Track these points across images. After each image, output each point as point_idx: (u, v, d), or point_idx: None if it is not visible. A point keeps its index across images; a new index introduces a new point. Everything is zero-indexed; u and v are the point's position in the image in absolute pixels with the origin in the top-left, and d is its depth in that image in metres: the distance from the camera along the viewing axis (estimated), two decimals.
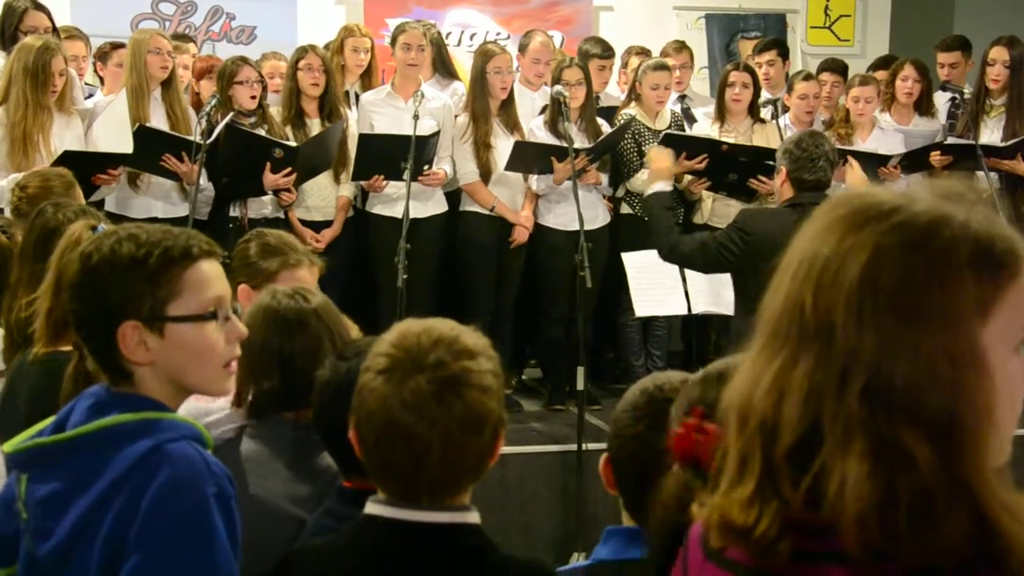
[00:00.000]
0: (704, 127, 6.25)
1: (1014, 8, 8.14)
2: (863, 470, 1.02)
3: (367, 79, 6.25)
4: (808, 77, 6.52)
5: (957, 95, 6.37)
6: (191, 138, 5.35)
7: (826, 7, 8.42)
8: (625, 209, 6.19)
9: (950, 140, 6.16)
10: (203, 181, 5.33)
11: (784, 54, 7.09)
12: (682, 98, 6.70)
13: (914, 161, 6.13)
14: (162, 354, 1.75)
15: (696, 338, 6.09)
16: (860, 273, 1.04)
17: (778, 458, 1.07)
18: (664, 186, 4.55)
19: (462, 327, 1.74)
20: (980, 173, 6.00)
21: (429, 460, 1.64)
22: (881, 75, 6.63)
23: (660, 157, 4.68)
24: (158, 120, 5.47)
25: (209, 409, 2.40)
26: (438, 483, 1.67)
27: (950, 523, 1.02)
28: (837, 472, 1.03)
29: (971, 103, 6.25)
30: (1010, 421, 1.09)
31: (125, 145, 5.27)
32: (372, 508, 1.72)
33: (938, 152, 6.08)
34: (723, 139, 6.00)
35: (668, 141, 5.85)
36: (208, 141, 5.22)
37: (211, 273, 1.79)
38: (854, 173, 4.58)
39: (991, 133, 6.13)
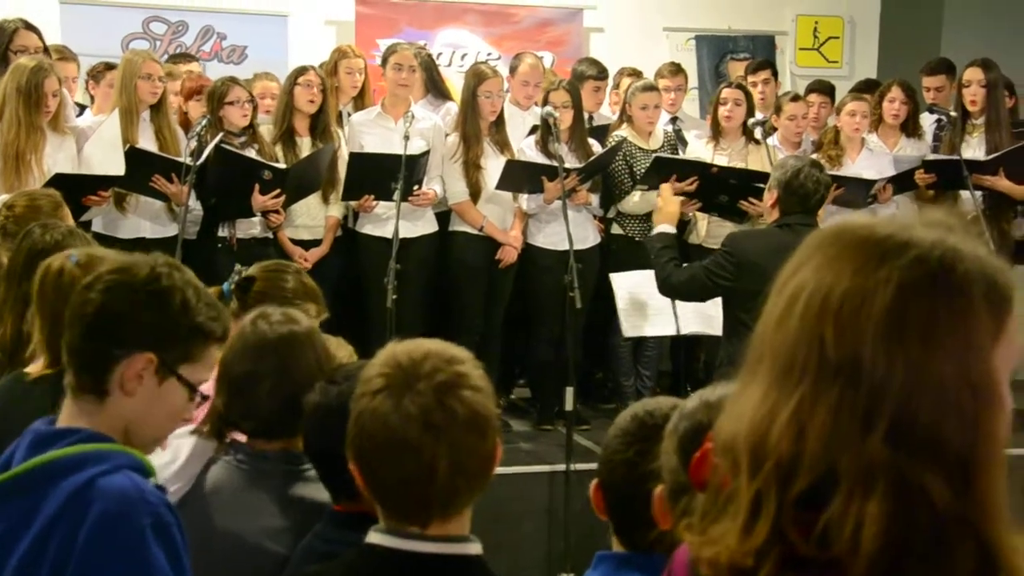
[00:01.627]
0: (698, 147, 6.28)
1: (1000, 31, 8.21)
2: (882, 511, 1.03)
3: (360, 100, 6.27)
4: (796, 98, 6.56)
5: (943, 117, 6.43)
6: (181, 159, 5.36)
7: (815, 29, 8.48)
8: (616, 230, 6.21)
9: (931, 156, 6.21)
10: (191, 201, 5.33)
11: (776, 74, 7.14)
12: (674, 120, 6.73)
13: (901, 182, 6.17)
14: (145, 397, 1.79)
15: (685, 358, 6.11)
16: (888, 308, 1.05)
17: (790, 500, 1.07)
18: (668, 228, 4.65)
19: (448, 343, 1.76)
20: (965, 193, 6.05)
21: (439, 470, 1.64)
22: (867, 97, 6.68)
23: (671, 201, 4.77)
24: (147, 141, 5.48)
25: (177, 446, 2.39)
26: (450, 494, 1.66)
27: (960, 562, 1.03)
28: (854, 513, 1.04)
29: (953, 123, 6.31)
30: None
31: (116, 166, 5.28)
32: (374, 538, 1.71)
33: (922, 170, 6.13)
34: (713, 162, 6.03)
35: (659, 164, 5.89)
36: (198, 163, 5.23)
37: (216, 359, 1.92)
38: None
39: (973, 152, 6.19)
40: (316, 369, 2.31)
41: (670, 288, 4.57)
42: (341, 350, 2.65)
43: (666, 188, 5.03)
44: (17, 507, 1.72)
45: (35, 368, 2.62)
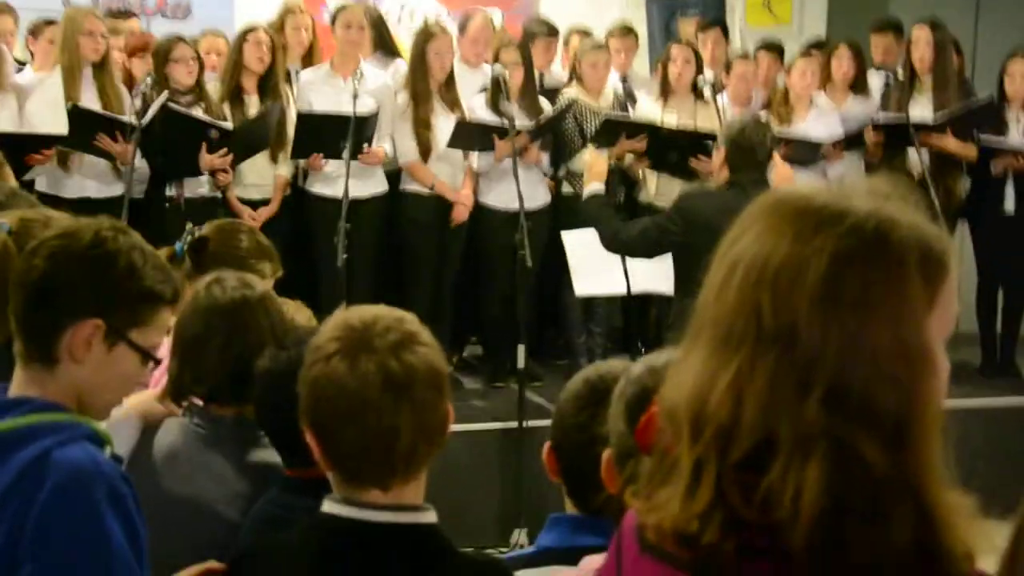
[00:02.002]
0: (647, 105, 6.29)
1: None
2: (821, 475, 1.05)
3: (308, 58, 6.20)
4: (744, 57, 6.59)
5: (891, 76, 6.48)
6: (127, 118, 5.27)
7: None
8: (567, 189, 6.21)
9: (882, 116, 6.26)
10: (137, 160, 5.25)
11: (726, 33, 7.15)
12: (624, 79, 6.72)
13: (850, 142, 6.22)
14: (95, 364, 1.75)
15: (636, 315, 6.15)
16: (823, 277, 1.07)
17: (730, 465, 1.09)
18: (599, 187, 4.64)
19: (393, 309, 1.77)
20: (912, 152, 6.12)
21: (402, 430, 1.64)
22: (816, 56, 6.71)
23: (597, 161, 4.77)
24: (90, 99, 5.39)
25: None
26: (412, 455, 1.67)
27: (898, 522, 1.05)
28: (793, 478, 1.06)
29: (900, 82, 6.37)
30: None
31: (59, 124, 5.19)
32: (329, 507, 1.71)
33: (871, 130, 6.18)
34: (662, 121, 6.04)
35: (609, 124, 5.90)
36: (143, 122, 5.15)
37: (169, 322, 1.87)
38: (780, 170, 4.68)
39: (921, 111, 6.25)
40: (269, 335, 2.30)
41: (620, 244, 4.58)
42: (300, 313, 2.64)
43: (592, 151, 5.04)
44: None
45: None
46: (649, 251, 4.57)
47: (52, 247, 1.78)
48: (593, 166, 4.72)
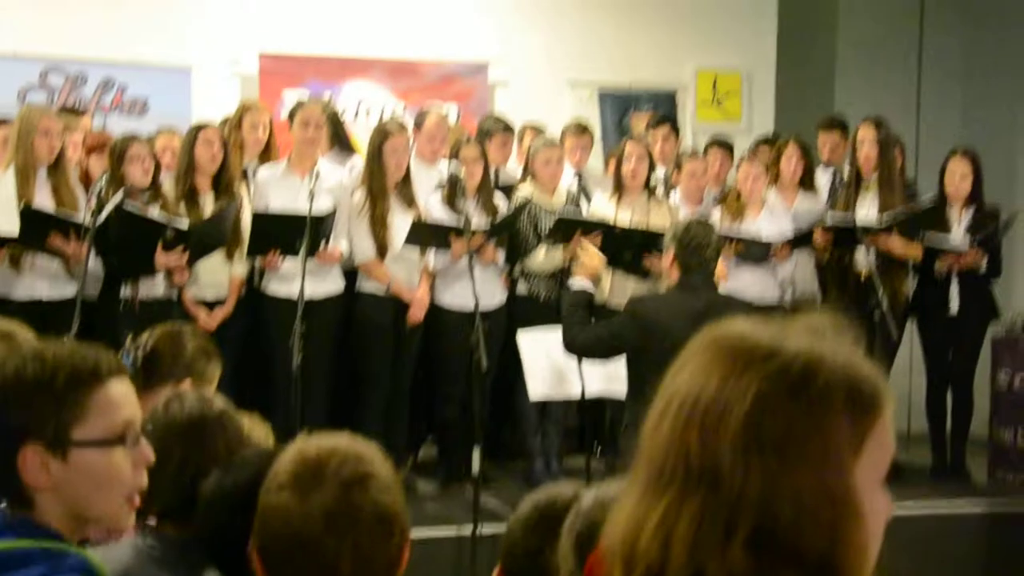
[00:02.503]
0: (602, 202, 6.36)
1: (890, 87, 8.49)
2: None
3: (265, 155, 6.22)
4: (694, 154, 6.72)
5: (838, 173, 6.62)
6: (80, 218, 5.26)
7: (714, 83, 8.67)
8: (521, 288, 6.24)
9: (830, 218, 6.37)
10: (91, 261, 5.22)
11: (676, 130, 7.29)
12: (579, 176, 6.82)
13: (798, 241, 6.33)
14: (64, 480, 1.69)
15: (591, 415, 6.15)
16: (744, 419, 1.06)
17: None
18: (587, 285, 4.67)
19: (356, 439, 1.76)
20: (860, 251, 6.23)
21: (343, 569, 1.63)
22: (765, 152, 6.85)
23: (592, 255, 4.81)
24: (44, 199, 5.36)
25: None
26: None
27: None
28: None
29: (847, 181, 6.50)
30: (874, 552, 1.13)
31: (10, 224, 5.15)
32: None
33: (820, 231, 6.29)
34: (616, 218, 6.11)
35: (562, 223, 5.95)
36: (98, 222, 5.13)
37: (120, 395, 1.73)
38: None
39: (868, 209, 6.37)
40: (224, 454, 2.29)
41: (576, 347, 4.63)
42: (256, 429, 2.63)
43: (589, 246, 5.07)
44: None
45: None
46: (604, 354, 4.64)
47: None
48: (587, 259, 4.76)
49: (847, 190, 6.47)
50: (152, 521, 2.37)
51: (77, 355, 1.72)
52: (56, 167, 5.44)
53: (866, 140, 6.38)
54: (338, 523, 1.63)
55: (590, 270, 4.72)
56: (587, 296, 4.68)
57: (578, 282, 4.69)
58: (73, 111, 6.63)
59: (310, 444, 1.73)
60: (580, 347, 4.58)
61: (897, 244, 6.18)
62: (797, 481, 1.06)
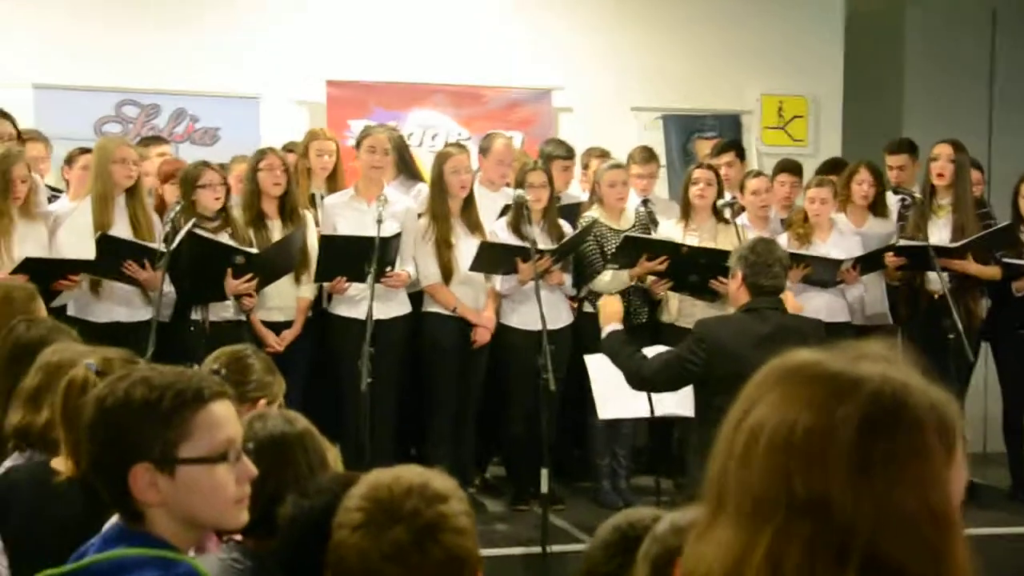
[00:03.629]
0: (668, 227, 6.35)
1: (960, 111, 8.39)
2: None
3: (332, 181, 6.31)
4: (758, 175, 6.68)
5: (908, 197, 6.54)
6: (153, 245, 5.37)
7: (779, 108, 8.63)
8: (588, 308, 6.23)
9: (902, 242, 6.30)
10: (165, 285, 5.33)
11: (741, 155, 7.26)
12: (645, 202, 6.81)
13: (869, 262, 6.26)
14: (173, 495, 1.77)
15: (660, 437, 6.12)
16: (850, 446, 1.09)
17: None
18: (615, 327, 4.67)
19: (429, 471, 1.77)
20: (932, 274, 6.14)
21: None
22: (835, 177, 6.79)
23: (610, 303, 4.82)
24: (122, 225, 5.49)
25: None
26: None
27: None
28: None
29: (920, 203, 6.41)
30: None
31: (88, 252, 5.28)
32: None
33: (892, 253, 6.22)
34: (682, 242, 6.10)
35: (629, 243, 5.95)
36: (170, 249, 5.24)
37: (223, 415, 1.82)
38: (789, 301, 4.74)
39: (940, 232, 6.29)
40: (307, 472, 2.31)
41: (642, 381, 4.60)
42: (328, 453, 2.66)
43: (605, 297, 5.08)
44: None
45: (64, 466, 2.61)
46: (672, 384, 4.59)
47: (84, 424, 1.83)
48: (606, 308, 4.77)
49: (918, 212, 6.38)
50: (237, 537, 2.40)
51: (182, 378, 1.82)
52: (133, 195, 5.56)
53: (942, 156, 6.31)
54: (413, 566, 1.65)
55: (612, 314, 4.71)
56: (622, 335, 4.66)
57: (608, 328, 4.67)
58: (154, 139, 6.80)
59: (384, 480, 1.74)
60: (648, 377, 4.53)
61: (972, 266, 6.10)
62: (905, 503, 1.08)
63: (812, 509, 1.09)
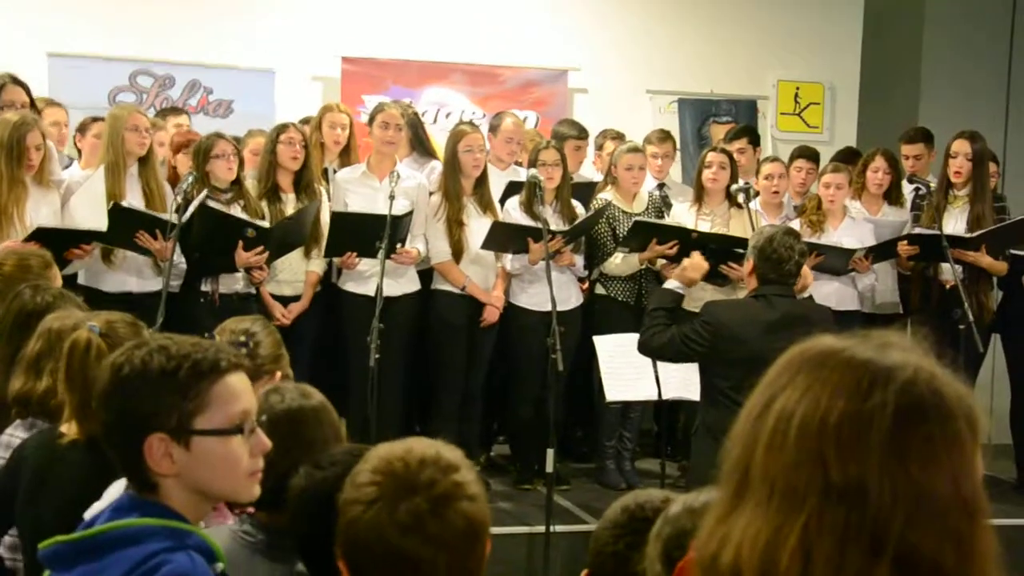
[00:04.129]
0: (681, 211, 6.33)
1: (976, 100, 8.35)
2: None
3: (345, 156, 6.30)
4: (774, 160, 6.63)
5: (923, 186, 6.51)
6: (165, 216, 5.37)
7: (796, 94, 8.60)
8: (599, 290, 6.24)
9: (916, 230, 6.27)
10: (176, 256, 5.33)
11: (755, 141, 7.22)
12: (661, 186, 6.79)
13: (882, 251, 6.23)
14: (187, 466, 1.77)
15: (667, 420, 6.12)
16: (887, 433, 1.09)
17: None
18: (678, 287, 4.70)
19: (435, 442, 1.77)
20: (944, 264, 6.12)
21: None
22: (846, 168, 6.76)
23: (696, 265, 4.86)
24: (134, 196, 5.49)
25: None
26: None
27: None
28: None
29: (935, 194, 6.37)
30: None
31: (101, 221, 5.28)
32: None
33: (905, 242, 6.19)
34: (695, 227, 6.08)
35: (640, 227, 5.94)
36: (182, 219, 5.24)
37: (238, 387, 1.82)
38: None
39: (955, 223, 6.26)
40: (321, 446, 2.30)
41: (647, 349, 4.64)
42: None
43: (696, 254, 5.06)
44: (82, 569, 1.73)
45: (68, 429, 2.61)
46: (675, 358, 4.67)
47: (99, 392, 1.83)
48: (690, 267, 4.83)
49: (935, 201, 6.34)
50: (249, 509, 2.40)
51: (199, 349, 1.80)
52: (146, 164, 5.56)
53: (960, 153, 6.27)
54: (432, 535, 1.64)
55: (686, 276, 4.72)
56: (676, 297, 4.67)
57: (672, 283, 4.69)
58: (172, 110, 6.79)
59: (395, 452, 1.72)
60: (654, 348, 4.58)
61: (985, 259, 6.07)
62: (939, 491, 1.09)
63: (847, 496, 1.09)
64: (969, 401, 1.13)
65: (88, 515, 1.93)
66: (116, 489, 2.31)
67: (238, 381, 1.82)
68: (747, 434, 1.16)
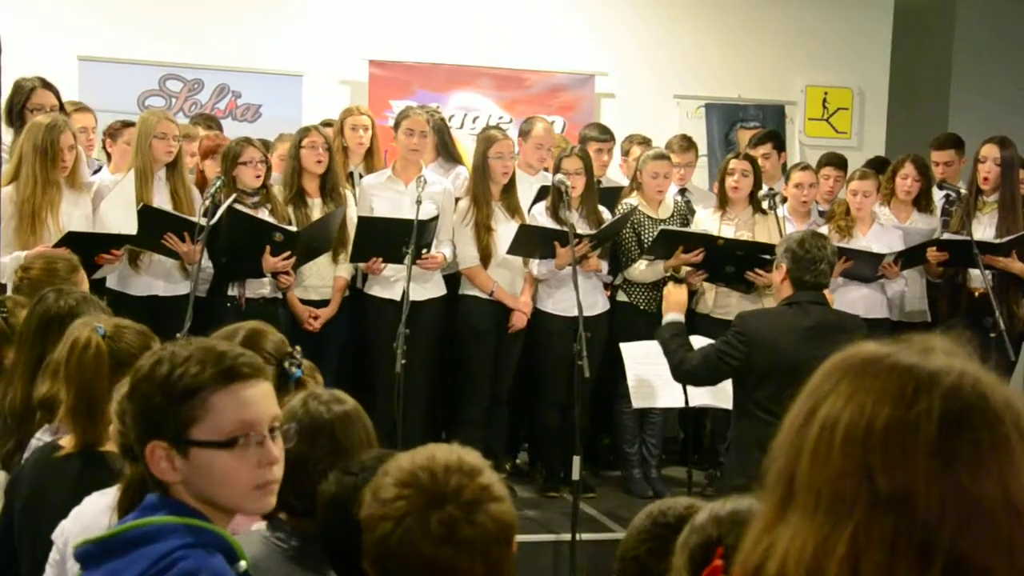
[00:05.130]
0: (705, 217, 6.30)
1: (1007, 106, 8.28)
2: None
3: (369, 159, 6.31)
4: (805, 168, 6.59)
5: (953, 193, 6.45)
6: (193, 219, 5.39)
7: (824, 100, 8.55)
8: (622, 297, 6.22)
9: (946, 235, 6.22)
10: (204, 260, 5.36)
11: (780, 146, 7.18)
12: (683, 192, 6.77)
13: (911, 257, 6.18)
14: (188, 474, 1.77)
15: (692, 426, 6.10)
16: (934, 440, 1.07)
17: None
18: (676, 317, 4.62)
19: (453, 447, 1.76)
20: (974, 271, 6.06)
21: None
22: (874, 175, 6.70)
23: (677, 291, 4.76)
24: (162, 201, 5.51)
25: None
26: None
27: None
28: None
29: (965, 200, 6.32)
30: None
31: (131, 225, 5.31)
32: None
33: (934, 248, 6.14)
34: (719, 233, 6.06)
35: (666, 235, 5.92)
36: (210, 223, 5.26)
37: (246, 396, 1.77)
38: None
39: (984, 229, 6.19)
40: (366, 446, 2.31)
41: (684, 374, 4.57)
42: None
43: (672, 284, 5.03)
44: (109, 567, 1.75)
45: (67, 442, 2.62)
46: (712, 377, 4.54)
47: (123, 396, 1.85)
48: (671, 296, 4.71)
49: (964, 208, 6.29)
50: (282, 515, 2.40)
51: (209, 355, 1.77)
52: (174, 169, 5.58)
53: (989, 158, 6.21)
54: (469, 547, 1.65)
55: (676, 304, 4.66)
56: (679, 326, 4.62)
57: (669, 316, 4.63)
58: (204, 118, 6.81)
59: (417, 463, 1.72)
60: (689, 371, 4.50)
61: (1017, 265, 6.01)
62: (988, 497, 1.07)
63: (895, 504, 1.07)
64: (1018, 405, 1.11)
65: (55, 533, 1.95)
66: (90, 502, 2.32)
67: (248, 390, 1.77)
68: (791, 443, 1.15)
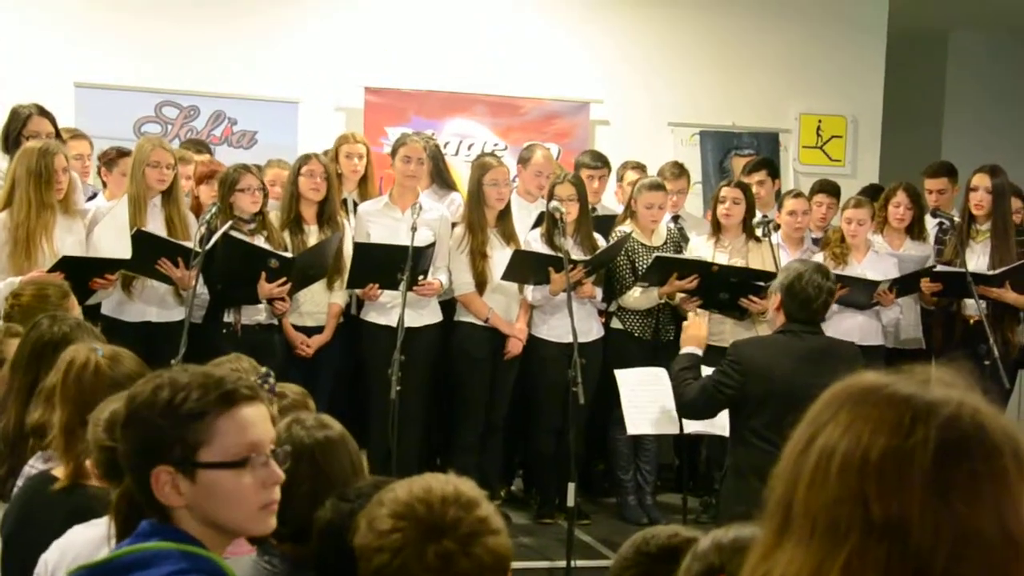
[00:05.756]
0: (699, 244, 6.32)
1: (999, 134, 8.32)
2: None
3: (364, 187, 6.32)
4: (798, 195, 6.61)
5: (946, 221, 6.47)
6: (188, 245, 5.39)
7: (818, 127, 8.59)
8: (616, 324, 6.22)
9: (939, 267, 6.23)
10: (199, 287, 5.35)
11: (774, 174, 7.20)
12: (675, 219, 6.78)
13: (905, 285, 6.19)
14: (194, 498, 1.77)
15: (687, 453, 6.09)
16: (929, 469, 1.08)
17: None
18: (693, 350, 4.61)
19: (450, 477, 1.76)
20: (969, 300, 6.07)
21: None
22: (868, 202, 6.72)
23: (698, 324, 4.76)
24: (156, 228, 5.50)
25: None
26: None
27: None
28: None
29: (958, 228, 6.34)
30: None
31: (126, 250, 5.30)
32: None
33: (928, 279, 6.15)
34: (713, 261, 6.07)
35: (661, 262, 5.93)
36: (205, 249, 5.26)
37: (248, 418, 1.80)
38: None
39: (977, 258, 6.21)
40: (351, 472, 2.31)
41: (682, 407, 4.60)
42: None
43: (692, 316, 5.01)
44: None
45: (61, 473, 2.61)
46: (710, 409, 4.53)
47: (119, 422, 1.85)
48: (688, 329, 4.71)
49: (957, 238, 6.30)
50: (272, 540, 2.39)
51: (210, 380, 1.80)
52: (169, 196, 5.58)
53: (980, 187, 6.24)
54: (462, 573, 1.65)
55: (695, 338, 4.66)
56: (693, 359, 4.61)
57: (686, 350, 4.63)
58: (196, 143, 6.83)
59: (414, 495, 1.72)
60: (687, 403, 4.52)
61: (1010, 295, 6.02)
62: (984, 530, 1.08)
63: (889, 532, 1.08)
64: (1017, 437, 1.12)
65: (38, 566, 1.96)
66: (75, 533, 2.32)
67: (249, 412, 1.80)
68: (789, 471, 1.16)
